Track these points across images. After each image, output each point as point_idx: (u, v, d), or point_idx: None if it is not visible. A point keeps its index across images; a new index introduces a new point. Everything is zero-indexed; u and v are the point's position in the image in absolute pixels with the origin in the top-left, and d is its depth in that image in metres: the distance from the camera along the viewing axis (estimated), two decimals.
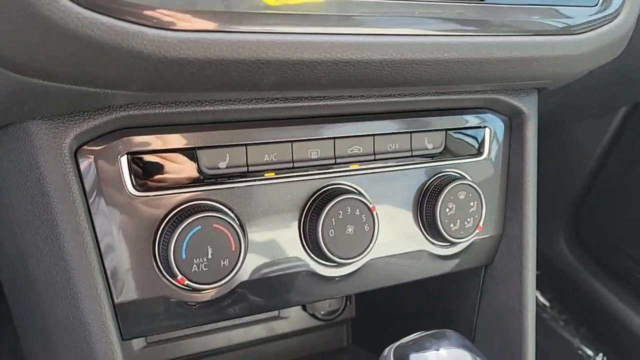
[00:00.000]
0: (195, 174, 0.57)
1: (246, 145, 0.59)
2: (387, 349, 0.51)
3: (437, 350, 0.50)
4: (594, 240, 1.78)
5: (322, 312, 0.93)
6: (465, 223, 0.70)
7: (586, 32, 0.60)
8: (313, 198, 0.63)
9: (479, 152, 0.73)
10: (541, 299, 2.03)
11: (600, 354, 1.76)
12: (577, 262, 1.95)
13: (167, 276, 0.56)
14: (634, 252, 1.59)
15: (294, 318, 0.92)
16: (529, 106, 0.73)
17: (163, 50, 0.42)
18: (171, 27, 0.42)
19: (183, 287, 0.57)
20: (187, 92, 0.52)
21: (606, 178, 1.52)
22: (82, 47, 0.40)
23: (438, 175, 0.70)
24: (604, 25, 0.61)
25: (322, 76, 0.50)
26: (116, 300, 0.56)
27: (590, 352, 1.80)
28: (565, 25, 0.59)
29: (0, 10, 0.38)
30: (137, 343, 0.81)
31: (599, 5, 0.61)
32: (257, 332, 0.89)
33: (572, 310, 1.98)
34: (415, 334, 0.52)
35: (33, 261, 0.54)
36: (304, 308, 0.92)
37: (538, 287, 2.17)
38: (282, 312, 0.91)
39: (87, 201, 0.53)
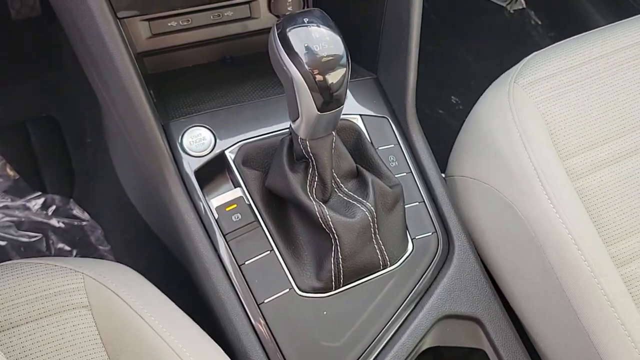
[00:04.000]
0: None
1: None
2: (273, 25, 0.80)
3: (308, 25, 0.79)
4: None
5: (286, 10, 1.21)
6: None
7: None
8: None
9: None
10: (534, 17, 2.21)
11: None
12: None
13: None
14: None
15: (263, 18, 1.21)
16: None
17: None
18: None
19: None
20: None
21: None
22: None
23: None
24: None
25: None
26: None
27: None
28: None
29: None
30: (145, 33, 1.14)
31: None
32: (234, 28, 1.20)
33: (560, 28, 2.17)
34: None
35: None
36: (270, 10, 1.20)
37: (533, 7, 2.34)
38: (254, 13, 1.20)
39: None
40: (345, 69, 0.79)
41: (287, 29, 0.78)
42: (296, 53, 0.77)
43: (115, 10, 0.87)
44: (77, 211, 1.62)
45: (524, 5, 2.16)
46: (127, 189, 1.44)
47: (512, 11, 2.17)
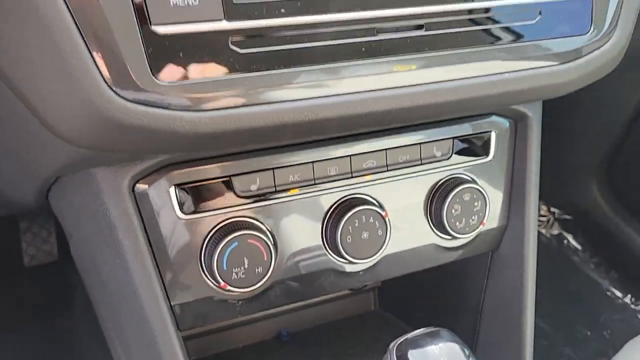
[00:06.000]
0: (232, 197, 0.68)
1: (273, 169, 0.69)
2: (391, 344, 0.63)
3: (432, 345, 0.61)
4: (627, 189, 1.81)
5: None
6: (470, 220, 0.79)
7: (577, 59, 0.66)
8: (332, 209, 0.73)
9: (485, 154, 0.81)
10: (573, 242, 2.09)
11: (629, 295, 1.83)
12: (610, 210, 1.99)
13: (213, 283, 0.68)
14: None
15: None
16: (533, 110, 0.80)
17: (198, 128, 0.52)
18: (202, 109, 0.52)
19: (226, 290, 0.69)
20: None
21: None
22: (132, 133, 0.50)
23: (445, 179, 0.78)
24: (595, 51, 0.67)
25: (333, 127, 0.59)
26: (172, 302, 0.68)
27: (619, 294, 1.87)
28: (556, 54, 0.65)
29: (65, 105, 0.49)
30: None
31: (589, 33, 0.66)
32: None
33: (603, 254, 2.04)
34: (414, 332, 0.63)
35: (106, 275, 0.67)
36: None
37: (570, 232, 2.22)
38: None
39: (144, 225, 0.65)
40: None
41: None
42: None
43: (180, 326, 0.69)
44: None
45: (560, 230, 2.06)
46: None
47: (548, 236, 2.07)
